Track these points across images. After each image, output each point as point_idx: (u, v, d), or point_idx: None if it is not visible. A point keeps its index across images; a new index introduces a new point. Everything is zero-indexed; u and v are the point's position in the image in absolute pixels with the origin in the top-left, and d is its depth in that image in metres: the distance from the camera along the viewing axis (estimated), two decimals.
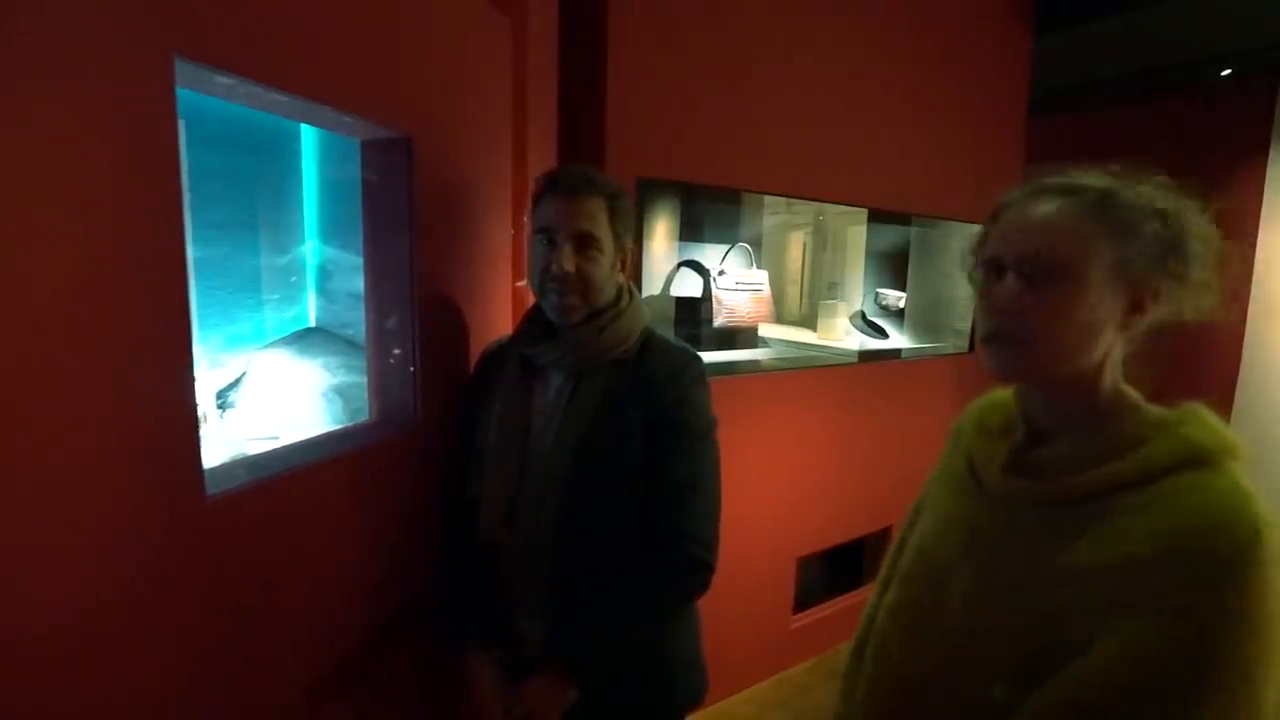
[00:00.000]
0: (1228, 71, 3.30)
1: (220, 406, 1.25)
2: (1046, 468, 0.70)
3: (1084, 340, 0.66)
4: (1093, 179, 0.69)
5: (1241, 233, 3.34)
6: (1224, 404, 3.56)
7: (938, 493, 0.86)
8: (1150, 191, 0.67)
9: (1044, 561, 0.66)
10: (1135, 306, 0.67)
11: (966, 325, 3.19)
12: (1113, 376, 0.69)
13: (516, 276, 1.56)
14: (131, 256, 0.71)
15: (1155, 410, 0.68)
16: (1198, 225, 0.67)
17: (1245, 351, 3.44)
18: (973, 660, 0.70)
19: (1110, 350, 0.68)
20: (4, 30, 0.59)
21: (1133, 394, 0.70)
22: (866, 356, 2.80)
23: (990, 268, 0.71)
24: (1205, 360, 3.37)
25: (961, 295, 3.24)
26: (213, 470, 0.89)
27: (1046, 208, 0.68)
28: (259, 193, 1.43)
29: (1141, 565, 0.59)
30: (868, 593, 2.97)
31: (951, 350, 3.16)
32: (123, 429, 0.71)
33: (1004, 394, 0.83)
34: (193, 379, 0.80)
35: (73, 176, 0.65)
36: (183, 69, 0.75)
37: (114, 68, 0.68)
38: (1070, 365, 0.67)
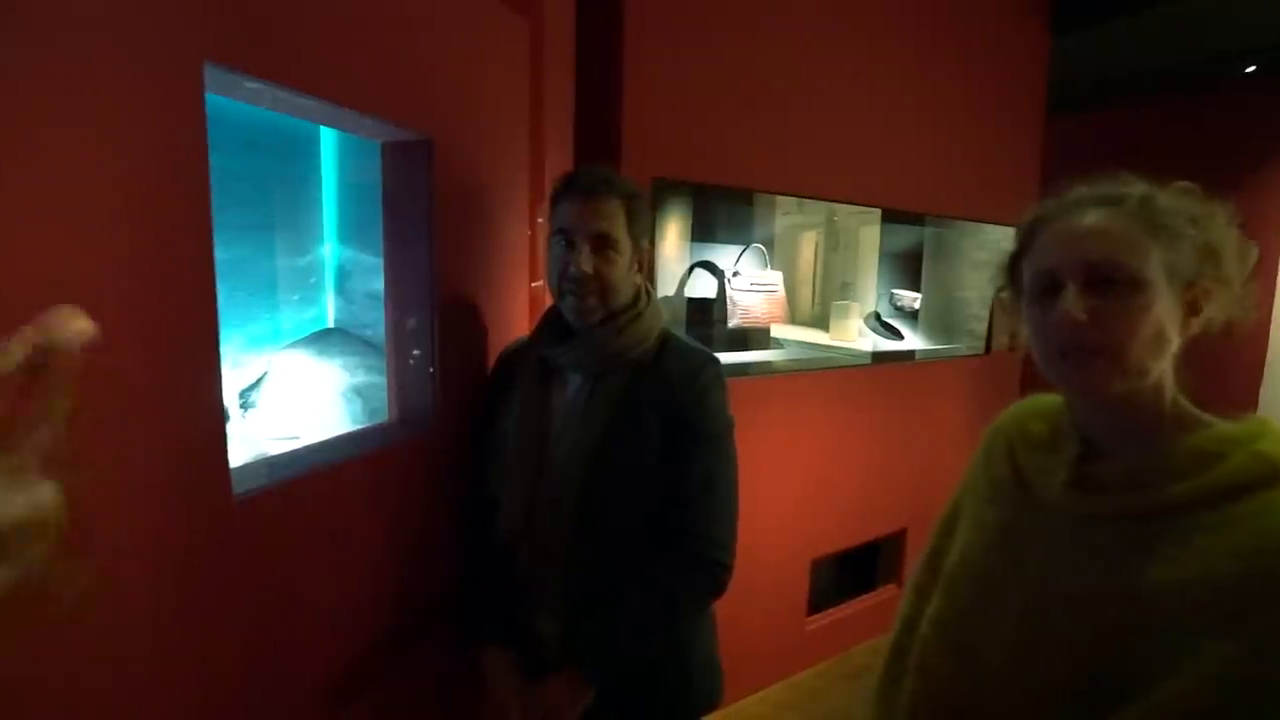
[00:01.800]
0: (1252, 69, 3.26)
1: (242, 406, 1.26)
2: (1111, 482, 0.67)
3: (1160, 348, 0.64)
4: (1129, 186, 0.67)
5: (1266, 231, 3.29)
6: (1249, 404, 3.51)
7: (978, 501, 0.83)
8: (1180, 196, 0.66)
9: (1111, 578, 0.64)
10: (1190, 310, 0.65)
11: (981, 327, 3.17)
12: (1171, 385, 0.68)
13: (533, 277, 1.56)
14: (163, 260, 0.73)
15: (1223, 423, 0.66)
16: (1225, 228, 0.66)
17: (1270, 352, 3.39)
18: (1031, 678, 0.68)
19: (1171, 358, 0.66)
20: (39, 38, 0.60)
21: (1188, 404, 0.68)
22: (880, 358, 2.79)
23: (1043, 282, 0.68)
24: (1229, 361, 3.33)
25: (975, 296, 3.22)
26: (237, 469, 0.90)
27: (1094, 216, 0.66)
28: (279, 195, 1.44)
29: (1223, 587, 0.58)
30: (882, 596, 2.95)
31: (966, 352, 3.14)
32: (155, 428, 0.73)
33: (1046, 401, 0.81)
34: (220, 380, 0.81)
35: (106, 182, 0.67)
36: (211, 74, 0.76)
37: (146, 75, 0.69)
38: (1149, 375, 0.65)
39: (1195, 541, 0.60)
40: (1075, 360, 0.66)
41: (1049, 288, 0.67)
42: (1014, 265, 0.76)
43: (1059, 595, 0.68)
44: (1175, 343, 0.66)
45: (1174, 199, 0.66)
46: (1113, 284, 0.63)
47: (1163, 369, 0.66)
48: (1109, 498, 0.67)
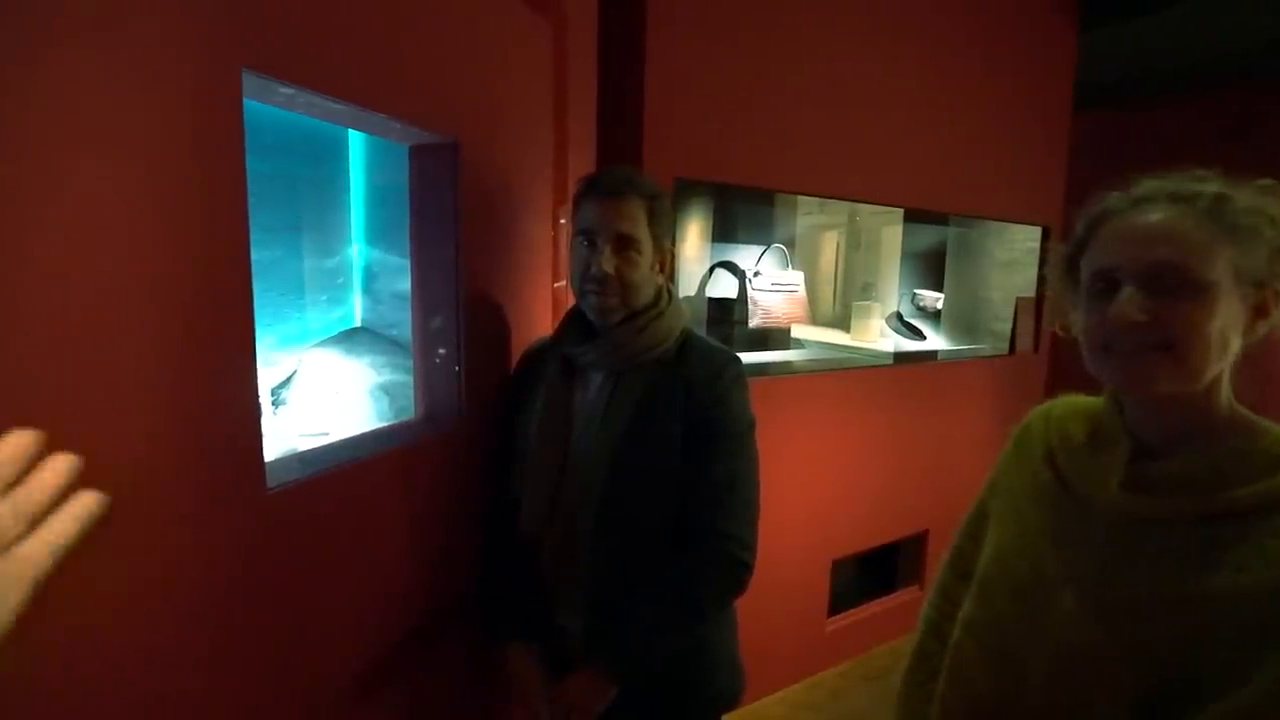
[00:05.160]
0: None
1: (274, 403, 1.29)
2: (1169, 484, 0.66)
3: (1220, 350, 0.63)
4: (1201, 184, 0.65)
5: None
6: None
7: (1013, 503, 0.81)
8: (1259, 194, 0.64)
9: (1172, 584, 0.62)
10: (1259, 312, 0.63)
11: (1005, 327, 3.14)
12: (1227, 388, 0.66)
13: (556, 277, 1.58)
14: (202, 261, 0.75)
15: None
16: None
17: None
18: (1081, 686, 0.66)
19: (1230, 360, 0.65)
20: (88, 48, 0.63)
21: (1242, 407, 0.66)
22: (902, 358, 2.77)
23: (1102, 279, 0.67)
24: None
25: (999, 297, 3.18)
26: (269, 464, 0.92)
27: (1160, 215, 0.65)
28: (308, 197, 1.47)
29: None
30: (903, 597, 2.92)
31: (990, 352, 3.10)
32: (195, 423, 0.75)
33: (1081, 401, 0.79)
34: (256, 377, 0.83)
35: (150, 185, 0.69)
36: (248, 81, 0.79)
37: (188, 82, 0.72)
38: (1207, 374, 0.64)
39: (1266, 547, 0.59)
40: (1128, 356, 0.65)
41: (1106, 286, 0.66)
42: (1073, 258, 0.73)
43: (1113, 601, 0.66)
44: (1237, 345, 0.64)
45: (1253, 197, 0.63)
46: (1175, 287, 0.62)
47: (1220, 371, 0.64)
48: (1170, 500, 0.65)
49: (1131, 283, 0.64)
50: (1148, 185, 0.67)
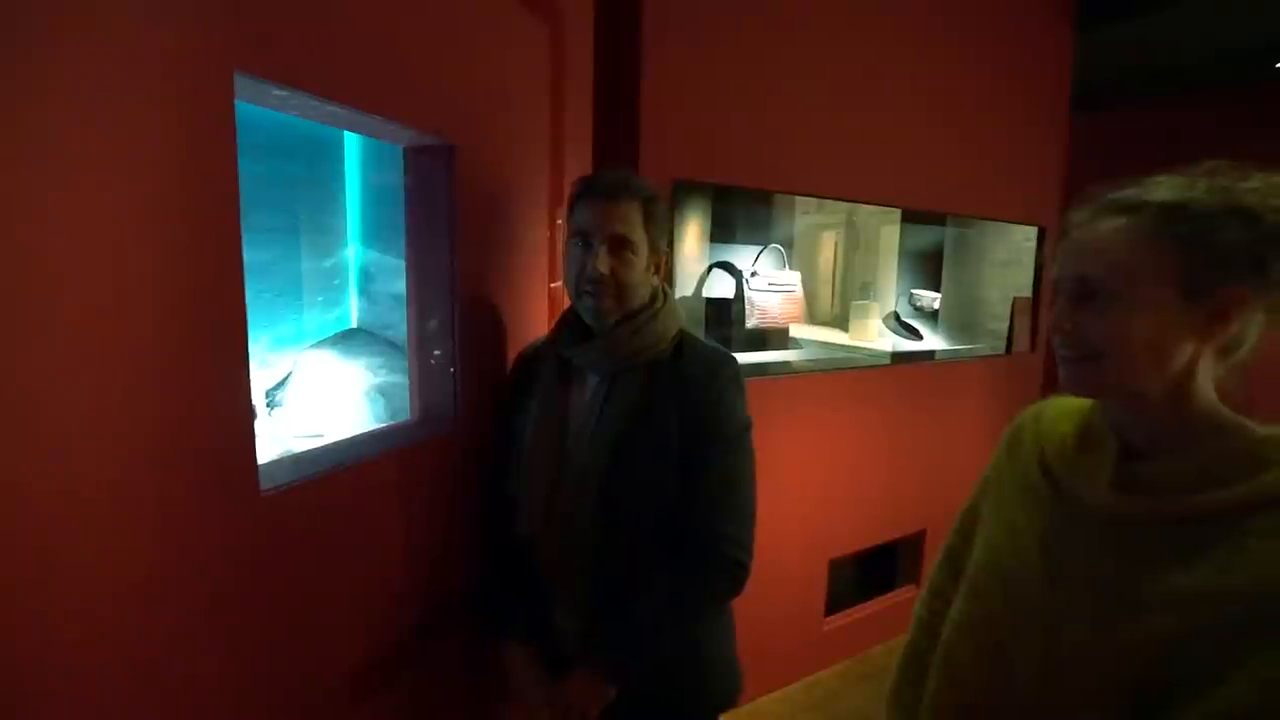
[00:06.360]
0: None
1: (268, 405, 1.29)
2: (1156, 483, 0.66)
3: (1152, 357, 0.64)
4: (1158, 191, 0.65)
5: None
6: None
7: (1001, 502, 0.82)
8: (1240, 191, 0.62)
9: (1157, 584, 0.63)
10: (1217, 316, 0.63)
11: (1002, 327, 3.14)
12: (1206, 391, 0.66)
13: (553, 277, 1.58)
14: (194, 263, 0.75)
15: (1266, 428, 0.64)
16: None
17: None
18: (1069, 684, 0.67)
19: (1195, 363, 0.65)
20: (79, 51, 0.62)
21: (1226, 410, 0.67)
22: (900, 358, 2.77)
23: (1054, 290, 0.72)
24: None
25: (996, 297, 3.19)
26: (264, 466, 0.92)
27: (1104, 227, 0.67)
28: (304, 199, 1.47)
29: None
30: (901, 596, 2.92)
31: (987, 352, 3.11)
32: (187, 425, 0.75)
33: (1074, 403, 0.80)
34: (249, 379, 0.83)
35: (141, 187, 0.69)
36: (241, 83, 0.79)
37: (179, 85, 0.72)
38: (1144, 381, 0.65)
39: (1249, 547, 0.59)
40: (1064, 361, 0.70)
41: (1057, 293, 0.72)
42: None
43: (1101, 601, 0.67)
44: (1188, 350, 0.64)
45: (1229, 195, 0.63)
46: (1096, 299, 0.66)
47: (1173, 373, 0.65)
48: (1156, 500, 0.66)
49: (1064, 294, 0.70)
50: (1104, 197, 0.69)
